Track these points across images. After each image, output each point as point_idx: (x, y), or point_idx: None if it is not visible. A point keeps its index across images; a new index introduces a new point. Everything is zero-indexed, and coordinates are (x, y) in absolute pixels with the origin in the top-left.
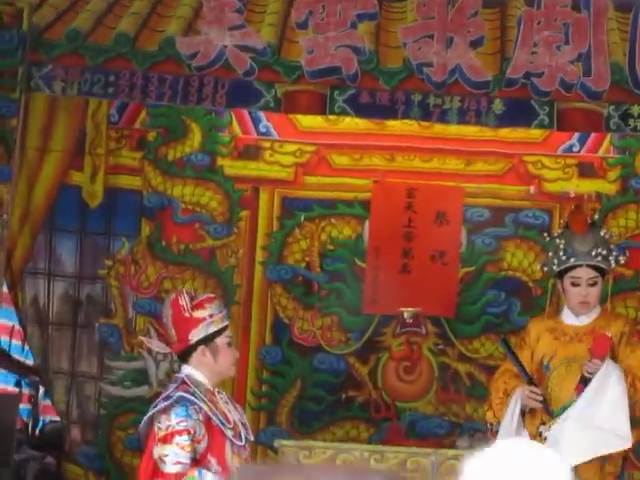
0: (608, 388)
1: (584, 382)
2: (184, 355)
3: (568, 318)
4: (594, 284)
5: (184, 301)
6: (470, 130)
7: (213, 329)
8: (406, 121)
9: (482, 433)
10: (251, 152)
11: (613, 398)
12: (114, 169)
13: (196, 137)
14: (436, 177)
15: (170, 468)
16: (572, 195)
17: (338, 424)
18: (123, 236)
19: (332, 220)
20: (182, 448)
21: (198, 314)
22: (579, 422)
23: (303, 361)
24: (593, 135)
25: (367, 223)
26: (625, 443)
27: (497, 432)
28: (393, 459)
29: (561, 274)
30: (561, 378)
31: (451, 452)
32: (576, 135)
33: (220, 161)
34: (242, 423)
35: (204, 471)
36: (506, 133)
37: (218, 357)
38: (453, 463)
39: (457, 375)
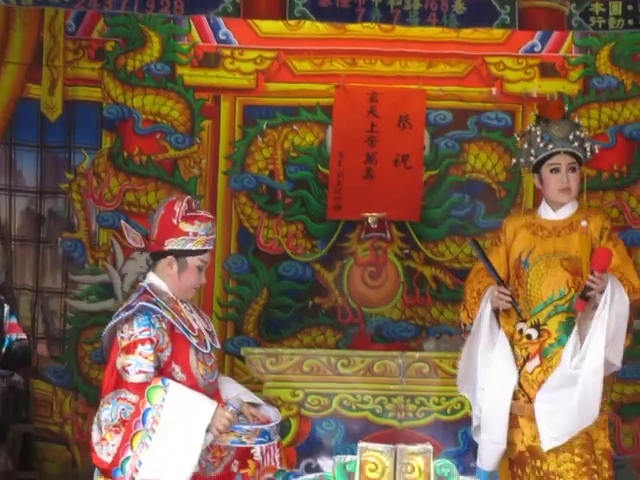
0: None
1: (585, 298)
2: (154, 258)
3: (546, 213)
4: (573, 170)
5: (179, 208)
6: (431, 32)
7: (189, 247)
8: (367, 24)
9: (449, 335)
10: (211, 60)
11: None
12: (73, 81)
13: (155, 46)
14: (398, 80)
15: (133, 378)
16: (534, 95)
17: (305, 331)
18: (84, 149)
19: (294, 127)
20: (145, 357)
21: (184, 226)
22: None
23: (269, 270)
24: (554, 35)
25: (330, 129)
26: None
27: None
28: (360, 363)
29: (538, 165)
30: (540, 273)
31: (418, 354)
32: (538, 35)
33: (180, 70)
34: (208, 331)
35: (168, 380)
36: (468, 34)
37: (182, 274)
38: (420, 365)
39: (423, 279)
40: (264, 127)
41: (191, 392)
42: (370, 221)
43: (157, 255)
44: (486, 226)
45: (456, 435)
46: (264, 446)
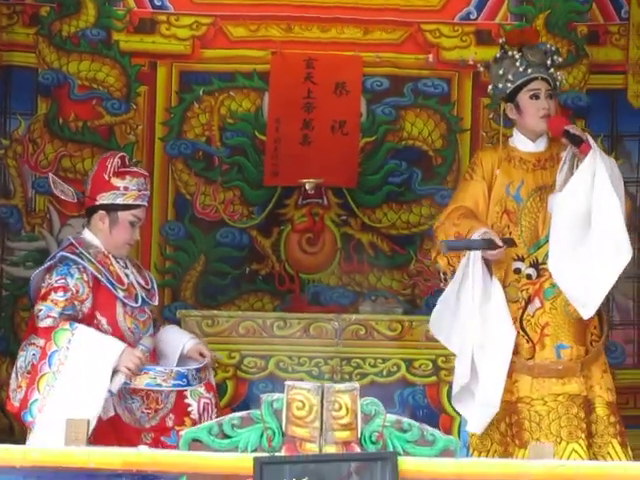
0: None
1: (580, 141)
2: (89, 214)
3: (524, 145)
4: (551, 97)
5: (110, 164)
6: None
7: (119, 201)
8: None
9: (385, 298)
10: (147, 26)
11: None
12: (7, 46)
13: (90, 12)
14: (334, 47)
15: (42, 323)
16: (470, 62)
17: (243, 297)
18: (19, 115)
19: (231, 93)
20: (55, 304)
21: (115, 181)
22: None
23: (206, 236)
24: (490, 2)
25: (267, 95)
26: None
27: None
28: (296, 325)
29: (515, 93)
30: (536, 208)
31: (354, 317)
32: (473, 2)
33: (116, 36)
34: (145, 288)
35: (77, 324)
36: (404, 1)
37: (114, 229)
38: (356, 328)
39: (360, 245)
40: (200, 93)
41: (99, 334)
42: (307, 187)
43: (90, 211)
44: (423, 193)
45: (392, 397)
46: (201, 402)
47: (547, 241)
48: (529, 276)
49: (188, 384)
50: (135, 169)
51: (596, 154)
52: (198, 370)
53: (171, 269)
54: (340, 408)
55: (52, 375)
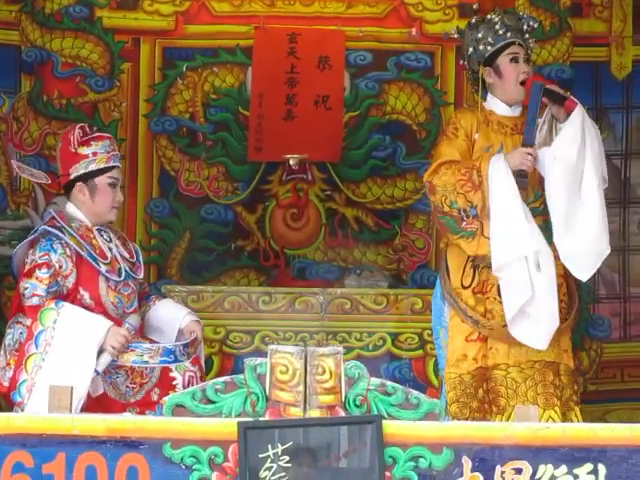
0: None
1: (563, 98)
2: (67, 191)
3: (500, 109)
4: (528, 62)
5: (73, 136)
6: None
7: (93, 167)
8: None
9: (370, 272)
10: (129, 2)
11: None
12: None
13: None
14: (317, 21)
15: (28, 301)
16: (454, 36)
17: (228, 273)
18: (3, 93)
19: (214, 69)
20: (40, 281)
21: (82, 150)
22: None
23: (191, 213)
24: None
25: (250, 70)
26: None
27: (475, 215)
28: (282, 300)
29: (494, 56)
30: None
31: (339, 291)
32: None
33: (99, 12)
34: (129, 261)
35: (62, 302)
36: None
37: (95, 197)
38: (341, 302)
39: (345, 220)
40: (184, 69)
41: (85, 313)
42: (291, 163)
43: (68, 187)
44: (407, 167)
45: (378, 371)
46: (186, 376)
47: (530, 202)
48: None
49: (176, 360)
50: (97, 134)
51: (582, 109)
52: (186, 345)
53: (156, 246)
54: (324, 372)
55: (39, 356)
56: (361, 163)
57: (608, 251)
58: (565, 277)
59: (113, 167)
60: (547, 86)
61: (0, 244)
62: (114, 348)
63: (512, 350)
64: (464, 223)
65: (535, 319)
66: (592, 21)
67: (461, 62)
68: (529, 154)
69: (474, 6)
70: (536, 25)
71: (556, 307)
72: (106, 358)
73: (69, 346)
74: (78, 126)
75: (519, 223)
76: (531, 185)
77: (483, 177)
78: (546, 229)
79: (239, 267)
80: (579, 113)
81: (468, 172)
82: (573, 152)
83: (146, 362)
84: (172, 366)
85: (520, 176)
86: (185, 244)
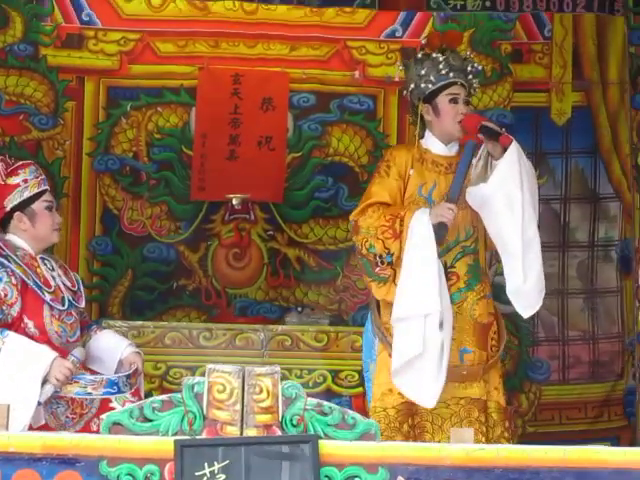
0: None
1: (497, 134)
2: (4, 223)
3: (437, 147)
4: (467, 103)
5: None
6: (294, 15)
7: (27, 194)
8: (230, 6)
9: (310, 309)
10: (74, 41)
11: None
12: None
13: (18, 27)
14: (261, 63)
15: None
16: (396, 79)
17: (170, 312)
18: None
19: (159, 109)
20: None
21: (12, 181)
22: None
23: (133, 251)
24: (415, 20)
25: (194, 110)
26: None
27: (390, 263)
28: (222, 336)
29: (434, 94)
30: None
31: (280, 327)
32: (399, 20)
33: (43, 51)
34: (71, 290)
35: (8, 331)
36: (330, 18)
37: (36, 222)
38: (282, 338)
39: (287, 260)
40: (128, 109)
41: (30, 342)
42: (234, 202)
43: (5, 220)
44: (349, 208)
45: None
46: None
47: (456, 244)
48: None
49: (119, 391)
50: (20, 162)
51: (517, 145)
52: (128, 377)
53: (98, 284)
54: (261, 391)
55: None
56: (304, 204)
57: (544, 291)
58: (495, 315)
59: (45, 190)
60: (483, 122)
61: None
62: (58, 380)
63: None
64: (378, 268)
65: (428, 375)
66: (532, 67)
67: (404, 93)
68: (451, 209)
69: (422, 40)
70: (480, 68)
71: (445, 366)
72: (49, 389)
73: (14, 376)
74: None
75: (428, 281)
76: (463, 223)
77: (404, 227)
78: (476, 268)
79: (181, 306)
80: (515, 149)
81: (392, 219)
82: (511, 187)
83: (89, 394)
84: (113, 397)
85: (440, 229)
86: (127, 282)
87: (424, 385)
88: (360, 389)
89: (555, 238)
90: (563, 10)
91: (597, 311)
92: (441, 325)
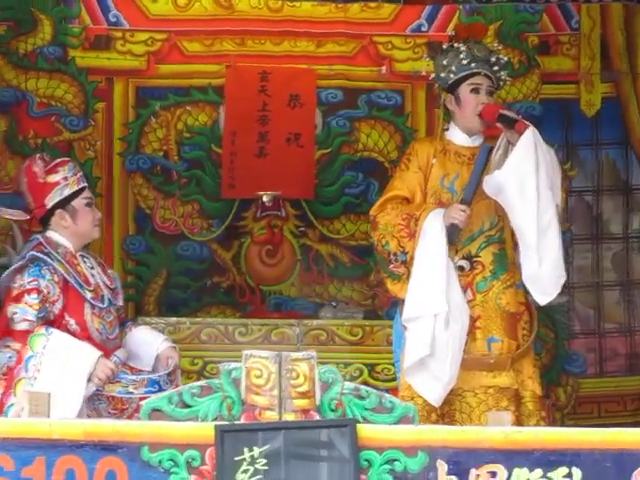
0: None
1: (513, 121)
2: (44, 221)
3: (460, 138)
4: (491, 94)
5: (37, 167)
6: (319, 11)
7: (68, 192)
8: (255, 4)
9: (345, 304)
10: (102, 42)
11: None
12: None
13: (46, 29)
14: (288, 60)
15: (18, 326)
16: (423, 74)
17: (204, 310)
18: None
19: (187, 107)
20: (30, 306)
21: (51, 179)
22: None
23: (167, 249)
24: (441, 14)
25: (222, 109)
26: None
27: (404, 261)
28: (258, 331)
29: (456, 84)
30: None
31: (315, 322)
32: (425, 14)
33: (72, 53)
34: (110, 287)
35: (52, 329)
36: (355, 14)
37: (77, 219)
38: (317, 333)
39: (319, 256)
40: (157, 108)
41: (74, 340)
42: (265, 199)
43: (46, 218)
44: None
45: None
46: None
47: (480, 234)
48: (462, 268)
49: (160, 389)
50: (58, 160)
51: (534, 131)
52: (169, 374)
53: (133, 283)
54: (298, 376)
55: (28, 381)
56: (334, 200)
57: (565, 277)
58: (527, 305)
59: (84, 187)
60: (500, 111)
61: None
62: (100, 379)
63: (466, 375)
64: (392, 266)
65: (434, 375)
66: (560, 59)
67: (435, 86)
68: (463, 211)
69: (450, 33)
70: (505, 59)
71: (457, 366)
72: (90, 387)
73: (58, 374)
74: (36, 157)
75: (437, 281)
76: (487, 213)
77: (419, 228)
78: (502, 257)
79: (215, 303)
80: (530, 134)
81: (408, 218)
82: (525, 172)
83: (131, 393)
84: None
85: (452, 230)
86: (162, 281)
87: (431, 383)
88: (396, 382)
89: (588, 230)
90: (590, 0)
91: (633, 303)
92: (446, 324)
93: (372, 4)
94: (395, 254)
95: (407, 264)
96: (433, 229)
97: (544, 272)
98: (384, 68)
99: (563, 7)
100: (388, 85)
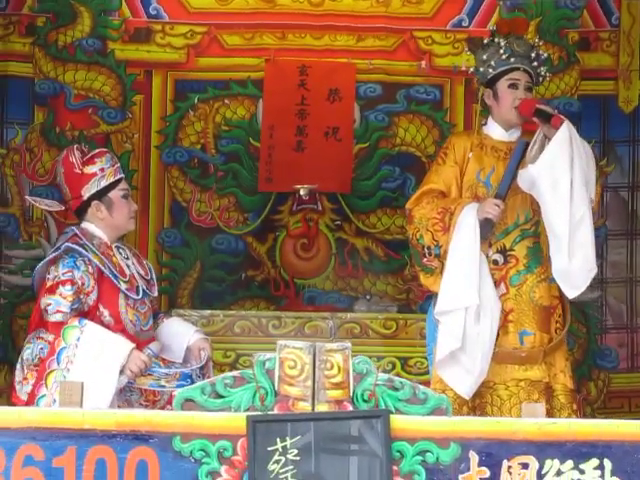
0: None
1: (549, 115)
2: (80, 212)
3: (497, 133)
4: (530, 90)
5: (74, 158)
6: (360, 6)
7: (104, 183)
8: None
9: (379, 297)
10: (142, 35)
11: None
12: (4, 56)
13: (86, 22)
14: (327, 54)
15: (51, 317)
16: (463, 69)
17: (239, 303)
18: (16, 124)
19: (226, 101)
20: (64, 298)
21: (89, 169)
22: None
23: (202, 243)
24: (482, 9)
25: (261, 102)
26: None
27: (437, 255)
28: (291, 324)
29: (495, 79)
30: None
31: (349, 315)
32: (465, 9)
33: (111, 45)
34: (145, 278)
35: (85, 320)
36: (396, 8)
37: (113, 211)
38: (351, 326)
39: (354, 250)
40: (195, 101)
41: (107, 333)
42: (302, 193)
43: (82, 209)
44: None
45: None
46: None
47: (515, 227)
48: (495, 262)
49: (192, 383)
50: (96, 150)
51: (570, 126)
52: (201, 368)
53: (167, 276)
54: (332, 367)
55: (60, 372)
56: (371, 194)
57: (595, 270)
58: (560, 299)
59: (121, 179)
60: (537, 105)
61: (12, 274)
62: (132, 372)
63: (498, 368)
64: (425, 259)
65: (466, 368)
66: (600, 55)
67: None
68: (497, 205)
69: (490, 28)
70: (544, 55)
71: (488, 360)
72: (123, 379)
73: (91, 365)
74: (74, 148)
75: (469, 275)
76: (522, 207)
77: (453, 222)
78: (536, 251)
79: (249, 297)
80: (565, 129)
81: (443, 212)
82: (559, 167)
83: (163, 386)
84: None
85: (486, 225)
86: (196, 274)
87: (462, 376)
88: (429, 376)
89: (623, 226)
90: None
91: None
92: (477, 318)
93: None
94: (429, 248)
95: (441, 258)
96: (467, 223)
97: (574, 266)
98: (424, 63)
99: (603, 3)
100: (427, 80)
